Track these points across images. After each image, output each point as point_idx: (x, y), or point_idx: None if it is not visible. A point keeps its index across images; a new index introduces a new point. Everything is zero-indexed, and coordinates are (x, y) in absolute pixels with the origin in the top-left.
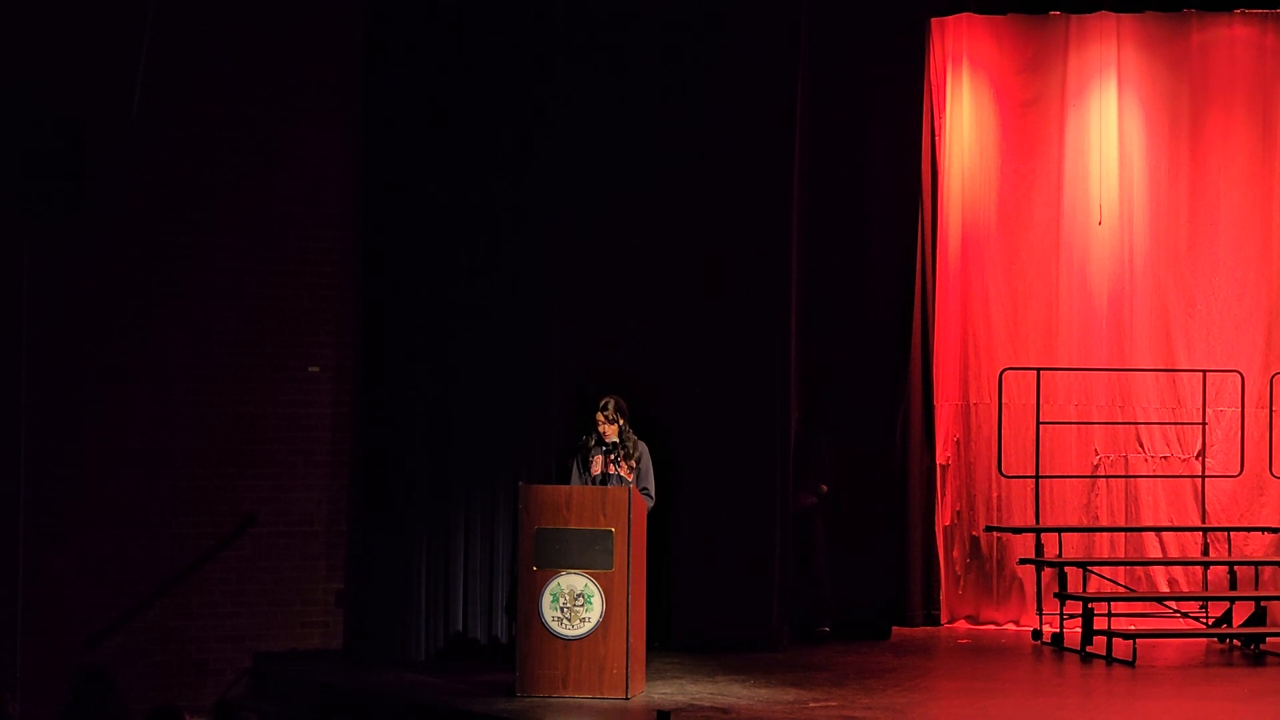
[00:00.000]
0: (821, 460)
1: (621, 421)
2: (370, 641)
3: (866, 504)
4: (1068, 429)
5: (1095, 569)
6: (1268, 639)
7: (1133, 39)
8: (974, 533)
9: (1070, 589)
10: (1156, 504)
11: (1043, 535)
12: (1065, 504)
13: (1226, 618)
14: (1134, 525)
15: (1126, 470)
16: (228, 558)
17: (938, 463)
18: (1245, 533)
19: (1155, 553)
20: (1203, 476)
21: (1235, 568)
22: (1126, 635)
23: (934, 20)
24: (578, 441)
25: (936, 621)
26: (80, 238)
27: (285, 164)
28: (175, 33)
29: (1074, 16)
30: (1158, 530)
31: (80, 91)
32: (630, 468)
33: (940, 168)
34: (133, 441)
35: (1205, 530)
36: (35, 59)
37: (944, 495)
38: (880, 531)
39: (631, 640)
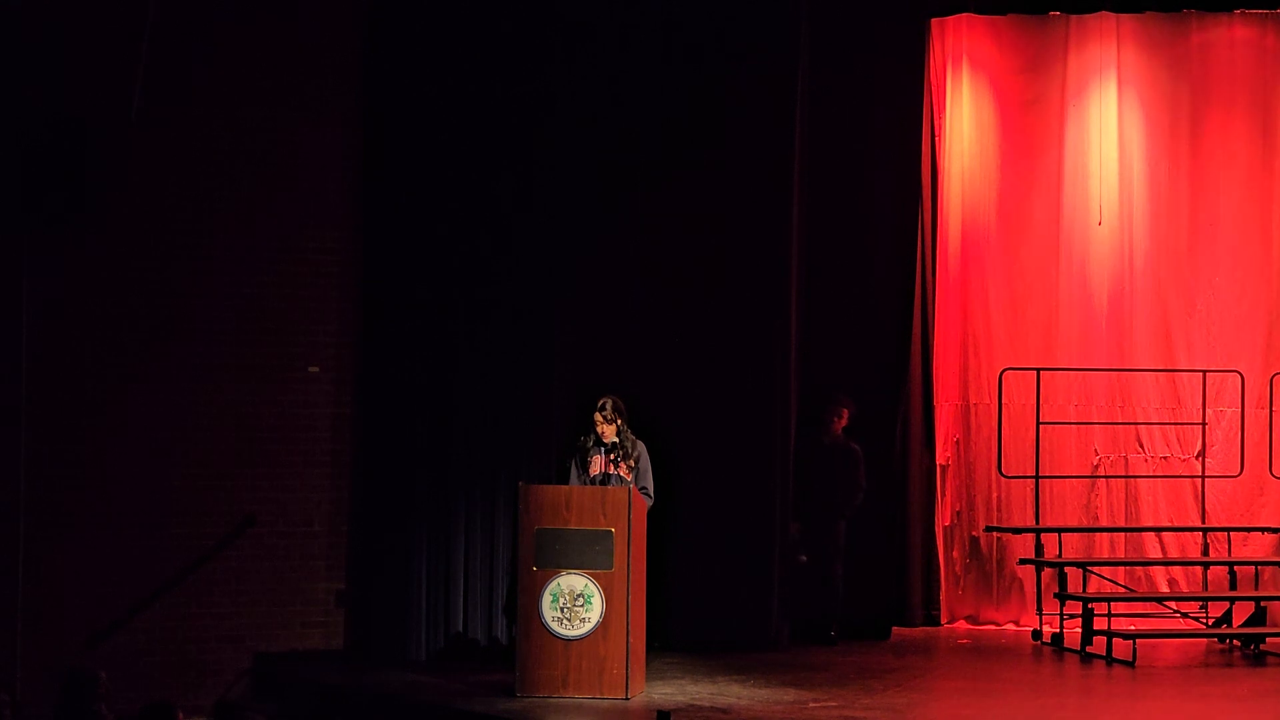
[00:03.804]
0: (856, 466)
1: (620, 421)
2: (370, 642)
3: (867, 504)
4: (1068, 429)
5: (1095, 569)
6: (1268, 639)
7: (1133, 39)
8: (974, 533)
9: (1070, 589)
10: (1156, 504)
11: (1043, 535)
12: (1065, 504)
13: (1226, 618)
14: (1134, 525)
15: (1126, 470)
16: (228, 558)
17: (938, 463)
18: (1245, 533)
19: (1155, 553)
20: (1203, 476)
21: (1235, 568)
22: (1126, 635)
23: (934, 21)
24: (576, 442)
25: (936, 622)
26: (80, 238)
27: (285, 164)
28: (175, 33)
29: (1074, 17)
30: (1158, 530)
31: (80, 91)
32: (629, 468)
33: (940, 168)
34: (133, 441)
35: (1205, 530)
36: (35, 59)
37: (944, 495)
38: (880, 531)
39: (631, 640)
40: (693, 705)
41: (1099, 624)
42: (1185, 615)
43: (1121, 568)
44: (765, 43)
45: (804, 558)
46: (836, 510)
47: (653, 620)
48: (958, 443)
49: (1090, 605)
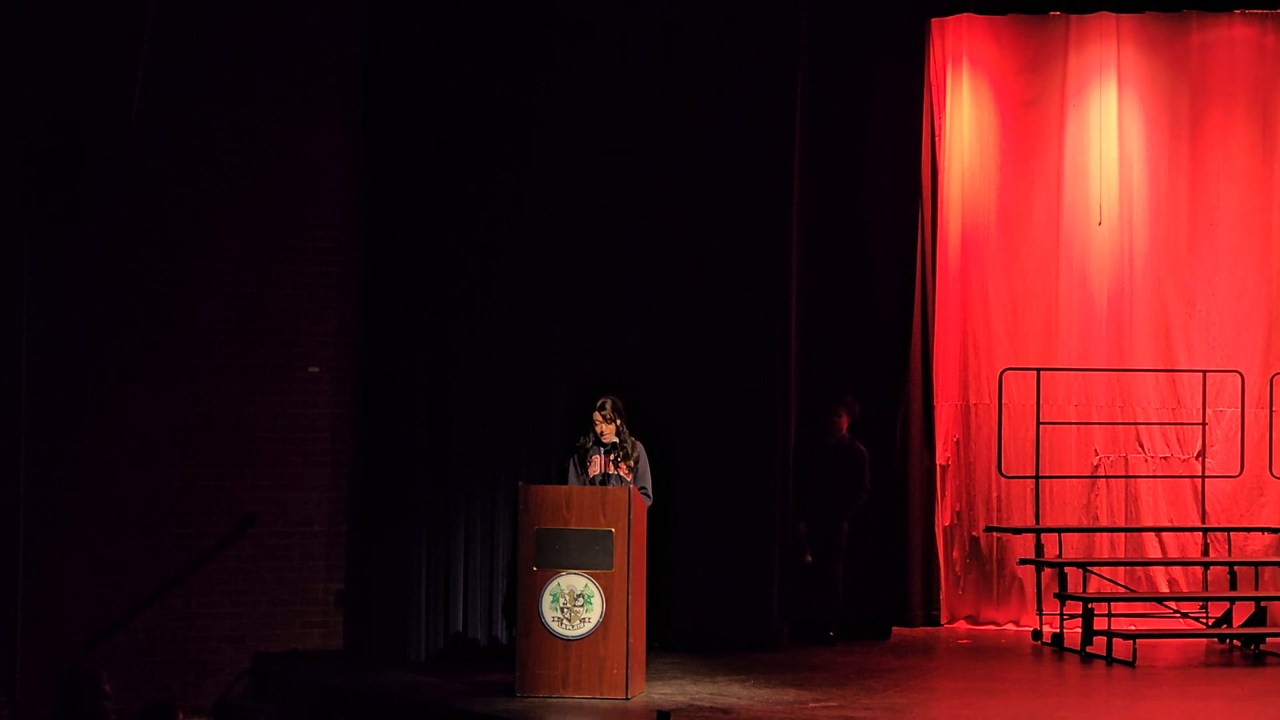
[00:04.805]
0: (861, 467)
1: (619, 421)
2: (370, 642)
3: (867, 504)
4: (1068, 429)
5: (1095, 569)
6: (1268, 639)
7: (1133, 39)
8: (974, 533)
9: (1070, 589)
10: (1156, 504)
11: (1043, 535)
12: (1065, 504)
13: (1226, 618)
14: (1134, 525)
15: (1126, 470)
16: (228, 558)
17: (938, 463)
18: (1245, 533)
19: (1155, 553)
20: (1203, 476)
21: (1235, 568)
22: (1126, 635)
23: (934, 20)
24: (575, 442)
25: (936, 622)
26: (80, 238)
27: (285, 164)
28: (175, 33)
29: (1074, 16)
30: (1158, 530)
31: (80, 91)
32: (629, 468)
33: (940, 168)
34: (133, 441)
35: (1205, 530)
36: (35, 59)
37: (944, 495)
38: (880, 532)
39: (631, 640)
40: (693, 705)
41: (1099, 624)
42: (1185, 615)
43: (1121, 568)
44: (765, 43)
45: (809, 558)
46: (839, 510)
47: (653, 620)
48: (958, 443)
49: (1090, 605)
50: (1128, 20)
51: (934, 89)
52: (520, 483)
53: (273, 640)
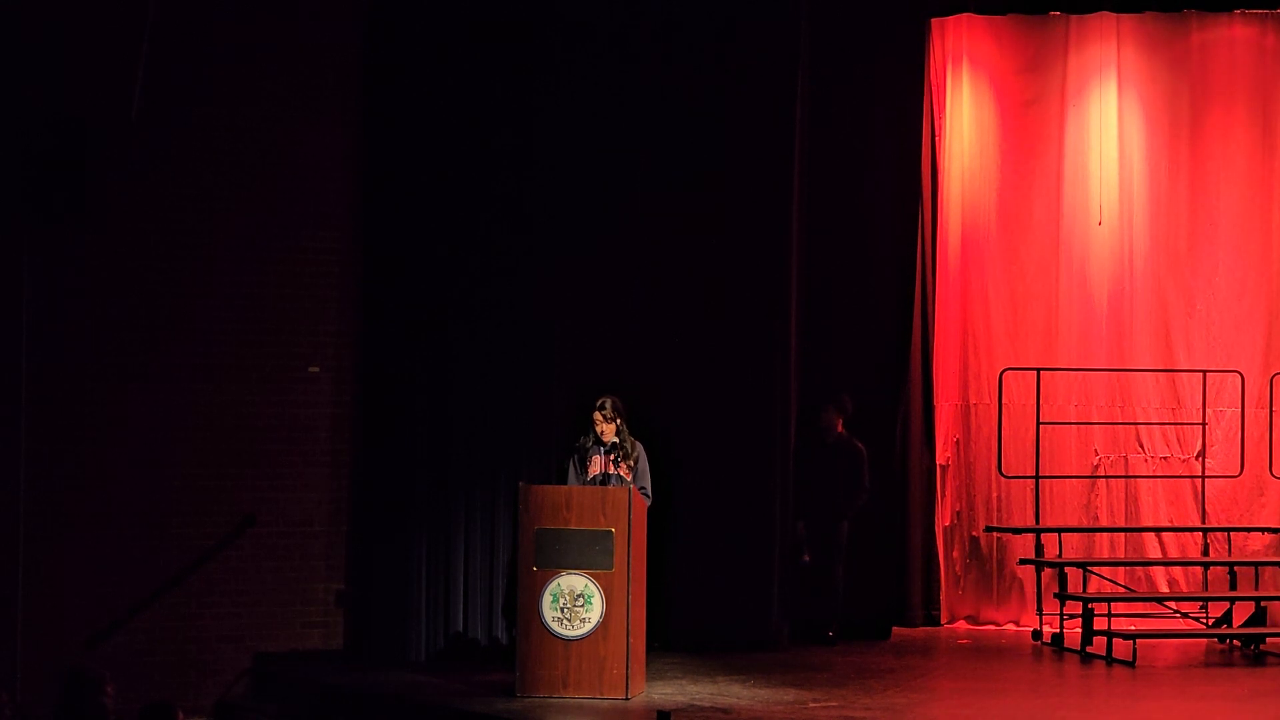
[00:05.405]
0: (859, 466)
1: (619, 421)
2: (370, 642)
3: (867, 504)
4: (1068, 429)
5: (1095, 569)
6: (1268, 639)
7: (1133, 39)
8: (974, 533)
9: (1070, 589)
10: (1156, 504)
11: (1043, 535)
12: (1065, 504)
13: (1226, 618)
14: (1134, 525)
15: (1126, 470)
16: (228, 558)
17: (938, 463)
18: (1245, 533)
19: (1155, 553)
20: (1203, 476)
21: (1235, 568)
22: (1126, 635)
23: (934, 20)
24: (574, 442)
25: (936, 622)
26: (80, 238)
27: (285, 164)
28: (175, 33)
29: (1074, 16)
30: (1158, 530)
31: (80, 91)
32: (629, 467)
33: (940, 168)
34: (133, 441)
35: (1205, 530)
36: (35, 59)
37: (944, 495)
38: (880, 532)
39: (631, 640)
40: (693, 705)
41: (1099, 624)
42: (1185, 615)
43: (1121, 568)
44: (765, 43)
45: (808, 557)
46: (839, 510)
47: (653, 620)
48: (958, 443)
49: (1090, 605)
50: (1128, 20)
51: (934, 89)
52: (520, 483)
53: (273, 640)
